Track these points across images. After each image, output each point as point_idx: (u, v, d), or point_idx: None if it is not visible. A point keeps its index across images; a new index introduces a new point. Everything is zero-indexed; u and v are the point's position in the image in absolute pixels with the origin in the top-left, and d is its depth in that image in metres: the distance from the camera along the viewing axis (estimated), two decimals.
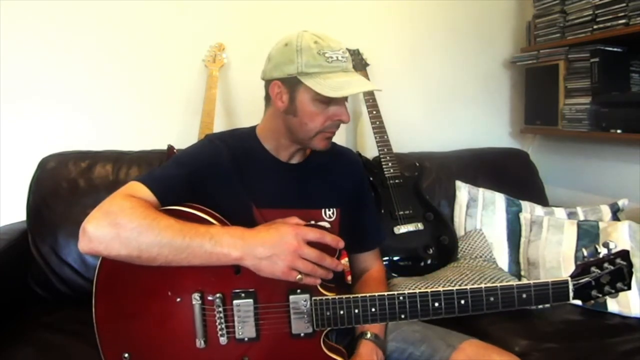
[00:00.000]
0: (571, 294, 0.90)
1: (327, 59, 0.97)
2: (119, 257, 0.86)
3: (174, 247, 0.84)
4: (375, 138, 1.81)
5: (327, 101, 0.99)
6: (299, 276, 0.87)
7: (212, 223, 0.93)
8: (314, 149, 1.07)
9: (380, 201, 1.70)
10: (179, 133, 1.88)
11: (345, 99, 1.01)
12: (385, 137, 1.81)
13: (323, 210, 1.11)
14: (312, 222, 1.00)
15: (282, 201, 1.06)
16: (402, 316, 0.90)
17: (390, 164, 1.77)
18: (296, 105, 1.01)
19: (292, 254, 0.86)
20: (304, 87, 0.98)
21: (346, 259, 1.28)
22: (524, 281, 1.41)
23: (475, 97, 2.26)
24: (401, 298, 0.90)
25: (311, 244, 0.89)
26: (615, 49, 1.80)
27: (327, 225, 1.10)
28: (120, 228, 0.84)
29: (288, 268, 0.86)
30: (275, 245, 0.86)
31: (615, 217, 1.70)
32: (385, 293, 0.91)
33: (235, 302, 0.91)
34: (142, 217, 0.85)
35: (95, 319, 0.92)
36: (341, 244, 0.91)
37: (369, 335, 1.03)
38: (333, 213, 1.12)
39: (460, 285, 0.91)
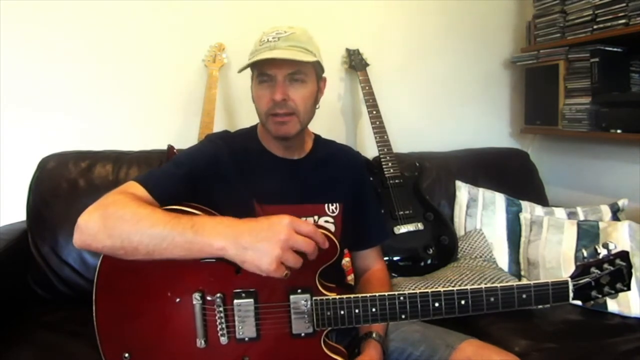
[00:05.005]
0: (571, 295, 0.90)
1: (261, 43, 1.01)
2: (106, 250, 0.85)
3: (153, 235, 0.80)
4: (375, 138, 1.81)
5: (265, 82, 1.01)
6: (286, 272, 0.77)
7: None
8: (272, 134, 1.05)
9: (381, 201, 1.70)
10: (179, 133, 1.88)
11: (278, 79, 1.00)
12: (385, 137, 1.81)
13: (326, 205, 1.11)
14: (313, 219, 0.99)
15: (285, 197, 1.06)
16: (403, 316, 0.90)
17: (390, 164, 1.77)
18: (252, 92, 1.07)
19: (282, 243, 0.77)
20: (254, 74, 1.05)
21: (347, 258, 1.28)
22: (524, 281, 1.41)
23: (475, 97, 2.26)
24: (402, 298, 0.90)
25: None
26: (615, 49, 1.80)
27: (330, 227, 1.10)
28: (107, 219, 0.83)
29: (276, 260, 0.77)
30: (264, 232, 0.78)
31: (615, 217, 1.70)
32: (386, 293, 0.91)
33: (235, 301, 0.91)
34: (127, 207, 0.84)
35: (96, 319, 0.92)
36: (326, 244, 0.84)
37: (374, 335, 1.02)
38: (336, 208, 1.12)
39: (460, 286, 0.91)
